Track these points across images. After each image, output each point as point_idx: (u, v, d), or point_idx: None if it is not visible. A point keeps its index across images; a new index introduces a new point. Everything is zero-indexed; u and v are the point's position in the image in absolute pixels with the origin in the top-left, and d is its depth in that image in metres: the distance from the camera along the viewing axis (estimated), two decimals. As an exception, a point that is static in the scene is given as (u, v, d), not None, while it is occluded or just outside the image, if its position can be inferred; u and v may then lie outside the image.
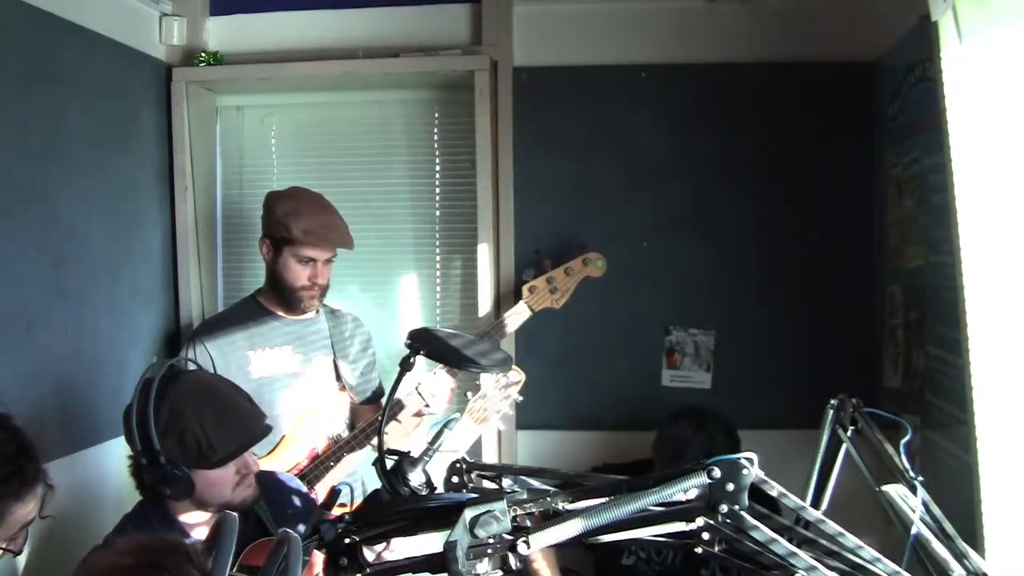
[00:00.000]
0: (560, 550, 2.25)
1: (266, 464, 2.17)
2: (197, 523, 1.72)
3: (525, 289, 2.42)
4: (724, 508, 0.96)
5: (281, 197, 2.31)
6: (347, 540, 1.13)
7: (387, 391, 1.70)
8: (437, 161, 2.83)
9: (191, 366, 1.80)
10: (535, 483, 1.27)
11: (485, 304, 2.64)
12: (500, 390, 2.18)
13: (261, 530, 1.79)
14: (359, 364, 2.44)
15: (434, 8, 2.68)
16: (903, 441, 1.46)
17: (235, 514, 0.98)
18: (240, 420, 1.71)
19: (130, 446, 1.65)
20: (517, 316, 2.40)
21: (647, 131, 2.63)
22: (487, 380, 2.20)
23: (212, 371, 2.21)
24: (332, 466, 2.27)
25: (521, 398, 2.20)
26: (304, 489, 2.03)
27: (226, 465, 1.68)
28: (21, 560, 2.01)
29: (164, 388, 1.64)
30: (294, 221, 2.23)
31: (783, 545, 0.96)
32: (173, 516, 1.72)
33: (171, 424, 1.62)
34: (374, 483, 1.28)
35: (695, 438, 2.14)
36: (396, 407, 2.25)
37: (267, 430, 1.77)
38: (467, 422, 2.18)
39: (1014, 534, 1.57)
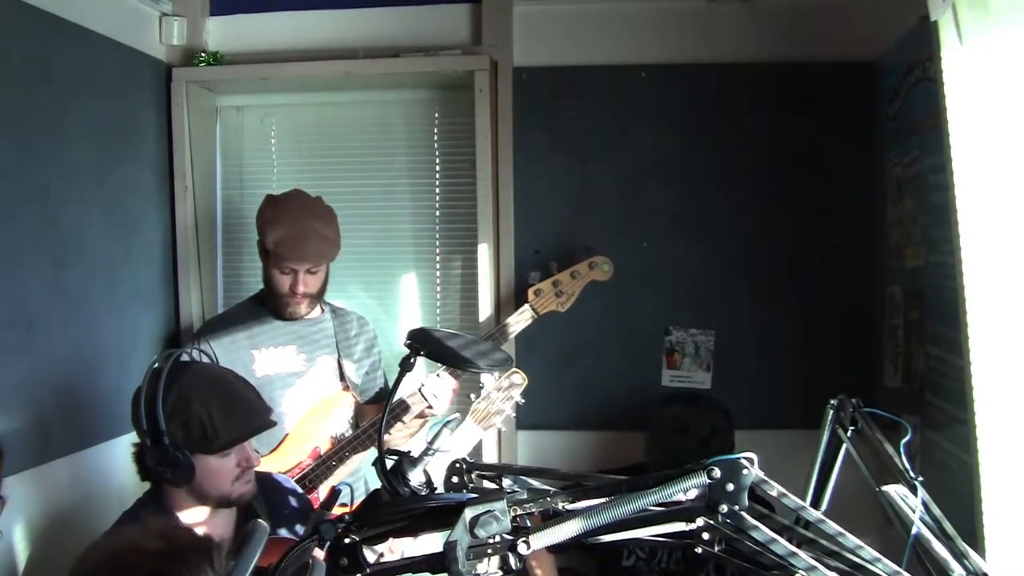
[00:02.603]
0: (562, 551, 2.26)
1: (269, 462, 2.18)
2: (196, 522, 1.72)
3: (530, 292, 2.42)
4: (724, 508, 0.96)
5: (268, 203, 2.30)
6: (347, 540, 1.13)
7: (390, 391, 1.71)
8: (437, 161, 2.83)
9: (204, 358, 1.81)
10: (535, 483, 1.27)
11: (485, 304, 2.64)
12: (502, 392, 2.19)
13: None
14: (364, 364, 2.44)
15: (434, 8, 2.68)
16: (903, 441, 1.45)
17: (267, 525, 0.98)
18: (245, 410, 1.74)
19: (136, 428, 1.68)
20: (521, 320, 2.40)
21: (647, 131, 2.63)
22: (489, 382, 2.21)
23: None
24: (335, 466, 2.27)
25: (523, 400, 2.22)
26: (299, 490, 2.03)
27: (228, 455, 1.70)
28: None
29: (174, 375, 1.67)
30: (270, 231, 2.22)
31: (783, 545, 0.96)
32: (172, 512, 1.73)
33: (178, 407, 1.65)
34: (376, 483, 1.28)
35: (695, 413, 2.23)
36: (400, 409, 2.26)
37: (271, 423, 1.79)
38: (469, 424, 2.19)
39: (1014, 534, 1.57)
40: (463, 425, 2.19)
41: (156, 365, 1.68)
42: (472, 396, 2.23)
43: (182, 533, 1.14)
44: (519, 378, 2.20)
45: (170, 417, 1.63)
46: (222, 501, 1.72)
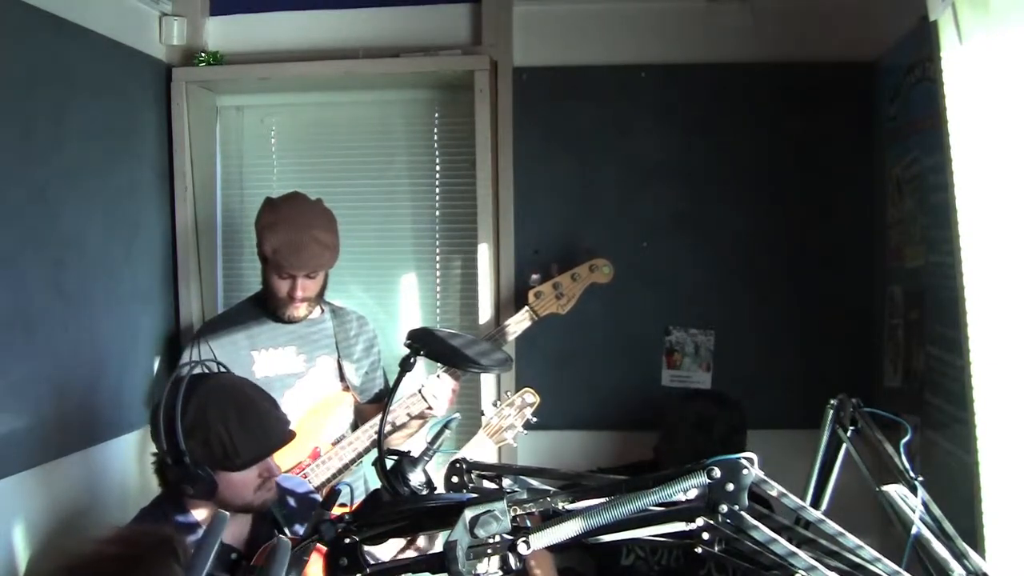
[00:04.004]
0: (561, 550, 2.27)
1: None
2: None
3: (531, 294, 2.42)
4: (724, 508, 0.96)
5: (267, 207, 2.29)
6: (347, 540, 1.13)
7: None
8: (437, 161, 2.83)
9: (215, 367, 1.82)
10: (535, 483, 1.27)
11: (485, 304, 2.64)
12: (515, 409, 2.23)
13: (278, 530, 1.82)
14: (363, 364, 2.44)
15: (434, 8, 2.68)
16: (903, 441, 1.46)
17: (226, 513, 0.98)
18: (264, 425, 1.74)
19: (156, 444, 1.69)
20: (521, 323, 2.40)
21: (647, 131, 2.63)
22: (485, 391, 2.23)
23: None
24: (335, 466, 2.27)
25: (535, 419, 2.25)
26: (301, 487, 2.03)
27: (249, 468, 1.70)
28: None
29: (192, 389, 1.68)
30: (267, 236, 2.21)
31: (783, 545, 0.96)
32: (189, 511, 1.74)
33: (197, 425, 1.65)
34: (376, 483, 1.28)
35: (720, 414, 2.25)
36: (406, 419, 2.27)
37: (290, 436, 1.81)
38: (482, 437, 2.23)
39: (1014, 534, 1.57)
40: (476, 438, 2.22)
41: (176, 375, 1.69)
42: (484, 412, 2.25)
43: (141, 535, 1.13)
44: (531, 397, 2.24)
45: (189, 434, 1.64)
46: (245, 509, 1.74)
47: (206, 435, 1.65)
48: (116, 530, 1.13)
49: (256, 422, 1.72)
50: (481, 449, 2.23)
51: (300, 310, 2.31)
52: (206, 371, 1.82)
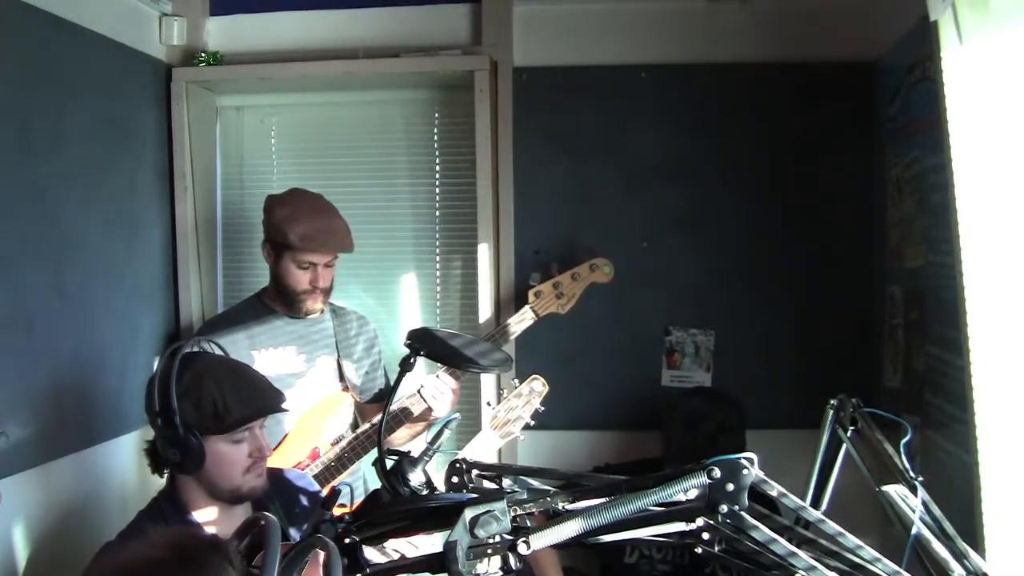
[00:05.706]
0: (564, 549, 2.26)
1: (268, 462, 2.18)
2: (211, 520, 1.73)
3: (531, 294, 2.42)
4: (724, 508, 0.96)
5: (279, 202, 2.30)
6: (347, 540, 1.13)
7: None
8: (437, 161, 2.83)
9: (216, 350, 1.82)
10: (535, 483, 1.27)
11: (485, 305, 2.64)
12: (522, 399, 2.20)
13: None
14: (363, 364, 2.44)
15: (434, 8, 2.68)
16: (903, 441, 1.46)
17: (274, 517, 0.98)
18: (258, 391, 1.76)
19: (148, 412, 1.68)
20: (521, 322, 2.40)
21: (647, 131, 2.63)
22: (485, 390, 2.20)
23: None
24: (335, 466, 2.27)
25: (543, 408, 2.21)
26: (311, 487, 2.03)
27: (240, 443, 1.70)
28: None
29: (190, 359, 1.70)
30: (291, 227, 2.22)
31: (783, 545, 0.96)
32: (188, 511, 1.73)
33: (191, 387, 1.66)
34: (376, 483, 1.28)
35: (711, 411, 2.22)
36: (403, 415, 2.26)
37: (282, 407, 1.82)
38: (488, 432, 2.20)
39: (1014, 534, 1.57)
40: (481, 434, 2.19)
41: (172, 350, 1.69)
42: (490, 404, 2.23)
43: (186, 538, 1.12)
44: (539, 385, 2.20)
45: (183, 396, 1.64)
46: (233, 494, 1.72)
47: (199, 395, 1.65)
48: (156, 535, 1.11)
49: (250, 387, 1.74)
50: (487, 444, 2.19)
51: (319, 302, 2.32)
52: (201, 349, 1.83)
